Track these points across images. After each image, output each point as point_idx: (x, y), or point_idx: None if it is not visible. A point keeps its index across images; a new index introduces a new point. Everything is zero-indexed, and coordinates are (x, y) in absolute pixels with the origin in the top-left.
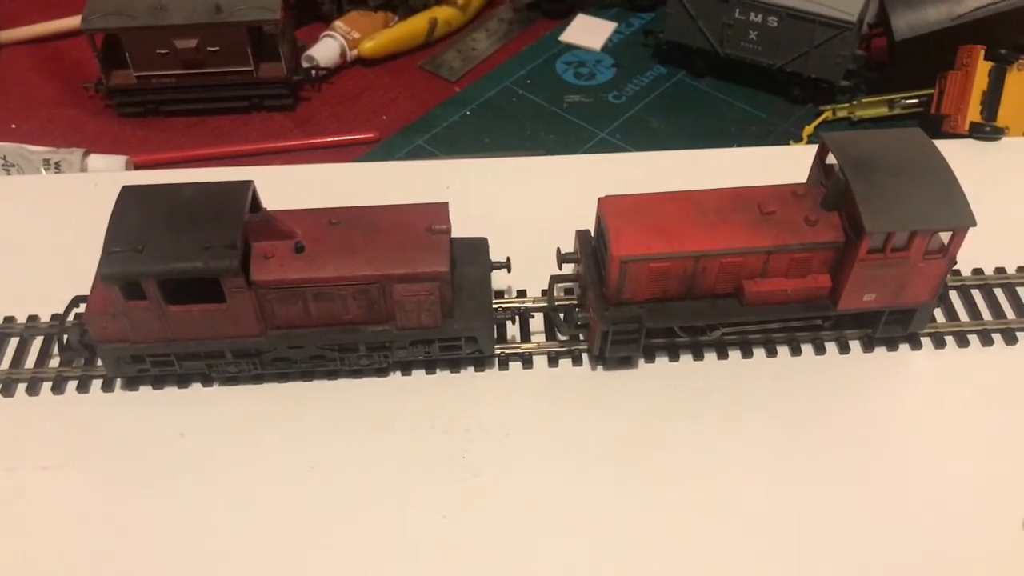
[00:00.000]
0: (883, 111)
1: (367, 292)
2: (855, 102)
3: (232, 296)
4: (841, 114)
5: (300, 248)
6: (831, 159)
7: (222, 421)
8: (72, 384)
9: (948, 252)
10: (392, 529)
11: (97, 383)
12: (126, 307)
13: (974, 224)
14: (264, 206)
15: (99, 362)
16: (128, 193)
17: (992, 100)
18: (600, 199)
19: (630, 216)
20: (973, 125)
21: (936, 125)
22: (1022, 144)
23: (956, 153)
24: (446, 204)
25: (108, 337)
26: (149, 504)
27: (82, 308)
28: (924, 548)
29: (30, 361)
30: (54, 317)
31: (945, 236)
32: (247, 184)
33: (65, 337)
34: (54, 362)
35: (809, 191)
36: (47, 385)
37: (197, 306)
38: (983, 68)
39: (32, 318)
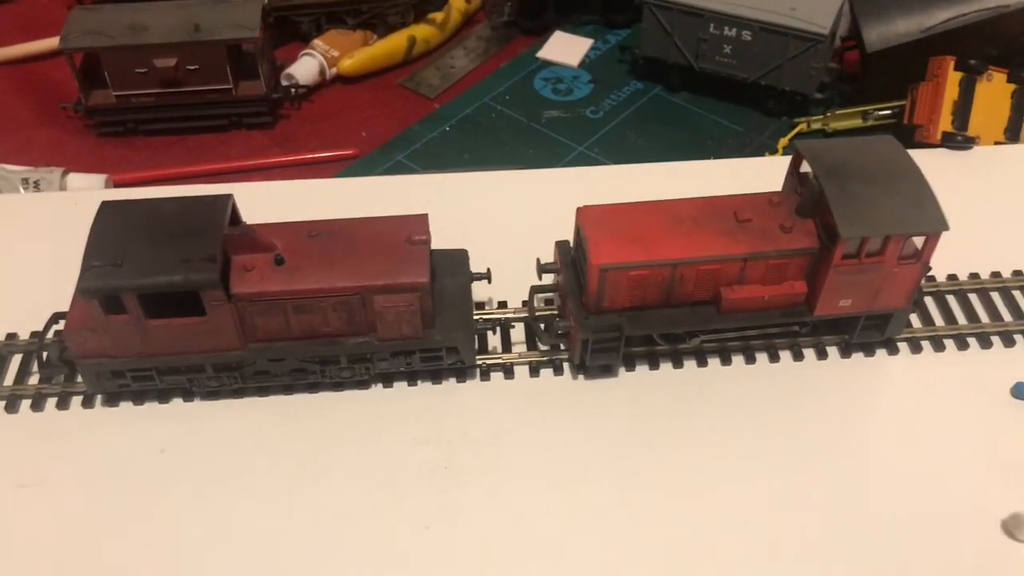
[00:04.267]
0: (857, 122)
1: (347, 303)
2: (829, 114)
3: (212, 309)
4: (816, 126)
5: (280, 261)
6: (805, 167)
7: (203, 436)
8: (52, 401)
9: (922, 257)
10: (376, 541)
11: (77, 399)
12: (106, 322)
13: (946, 228)
14: (244, 221)
15: (79, 378)
16: (107, 208)
17: (963, 110)
18: (578, 209)
19: (608, 225)
20: (945, 135)
21: (909, 135)
22: (993, 153)
23: (929, 162)
24: (425, 216)
25: (88, 352)
26: (130, 520)
27: (61, 325)
28: (905, 550)
29: (9, 378)
30: (33, 334)
31: (918, 241)
32: (226, 198)
33: (44, 354)
34: (33, 379)
35: (784, 199)
36: (26, 402)
37: (177, 320)
38: (953, 79)
39: (11, 336)
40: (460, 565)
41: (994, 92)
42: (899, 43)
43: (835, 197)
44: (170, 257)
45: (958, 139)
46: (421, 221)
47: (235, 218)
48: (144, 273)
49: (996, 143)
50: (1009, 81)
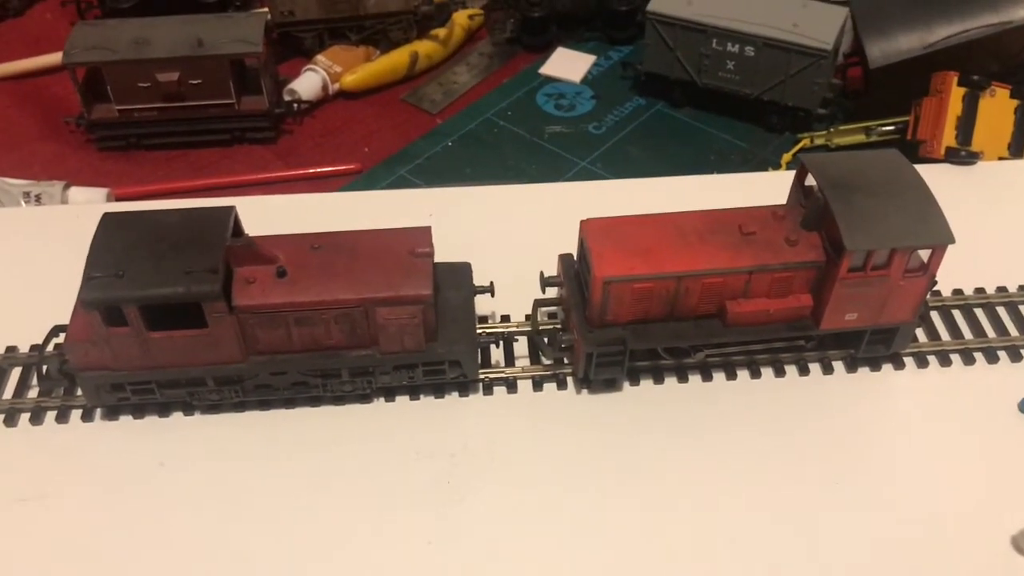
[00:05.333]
0: (860, 138)
1: (350, 316)
2: (832, 130)
3: (214, 321)
4: (819, 142)
5: (282, 273)
6: (810, 180)
7: (203, 450)
8: (51, 414)
9: (928, 270)
10: (378, 556)
11: (77, 413)
12: (107, 334)
13: (952, 241)
14: (246, 233)
15: (79, 392)
16: (109, 220)
17: (966, 125)
18: (582, 221)
19: (612, 238)
20: (949, 150)
21: (913, 151)
22: (997, 168)
23: (933, 178)
24: (428, 228)
25: (88, 365)
26: (129, 534)
27: (61, 338)
28: (912, 565)
29: (8, 392)
30: (33, 347)
31: (924, 254)
32: (229, 210)
33: (44, 367)
34: (33, 392)
35: (789, 212)
36: (25, 416)
37: (179, 332)
38: (957, 94)
39: (11, 349)
40: None
41: (997, 107)
42: (902, 59)
43: (840, 210)
44: (172, 269)
45: (962, 154)
46: (424, 234)
47: (237, 230)
48: (146, 284)
49: (1000, 158)
50: (1012, 97)
